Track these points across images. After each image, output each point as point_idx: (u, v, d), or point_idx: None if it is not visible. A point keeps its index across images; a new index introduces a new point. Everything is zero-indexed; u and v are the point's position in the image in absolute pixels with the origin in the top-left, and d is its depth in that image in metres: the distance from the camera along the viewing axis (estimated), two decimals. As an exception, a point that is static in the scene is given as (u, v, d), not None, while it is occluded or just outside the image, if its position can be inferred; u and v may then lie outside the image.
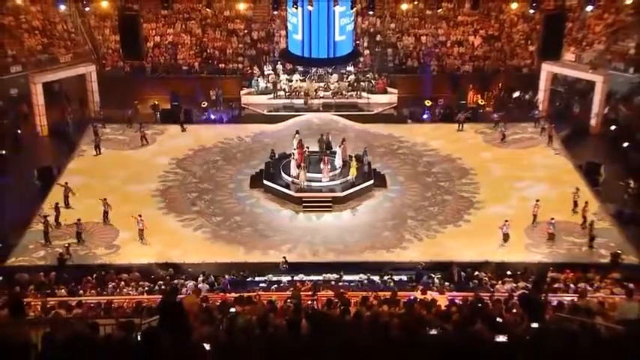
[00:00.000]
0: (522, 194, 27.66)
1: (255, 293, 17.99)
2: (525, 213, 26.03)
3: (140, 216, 25.10)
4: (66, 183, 27.34)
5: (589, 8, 33.68)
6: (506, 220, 24.81)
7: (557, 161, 30.95)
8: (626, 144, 30.43)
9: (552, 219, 24.92)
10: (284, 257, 23.66)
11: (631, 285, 18.00)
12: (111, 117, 34.21)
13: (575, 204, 26.28)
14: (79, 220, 25.17)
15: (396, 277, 22.29)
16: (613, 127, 32.52)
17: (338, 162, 28.64)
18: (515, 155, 31.57)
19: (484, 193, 28.36)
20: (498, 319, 10.67)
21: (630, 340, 8.69)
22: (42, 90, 32.97)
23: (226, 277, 22.07)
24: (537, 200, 25.95)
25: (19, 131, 32.53)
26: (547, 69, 34.57)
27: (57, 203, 26.27)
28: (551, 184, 28.56)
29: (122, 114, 34.12)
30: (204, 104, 35.51)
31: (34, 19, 37.04)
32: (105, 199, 26.05)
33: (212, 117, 35.34)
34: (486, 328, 9.26)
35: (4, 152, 30.36)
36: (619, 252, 23.73)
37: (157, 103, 35.45)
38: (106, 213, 25.99)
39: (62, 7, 33.75)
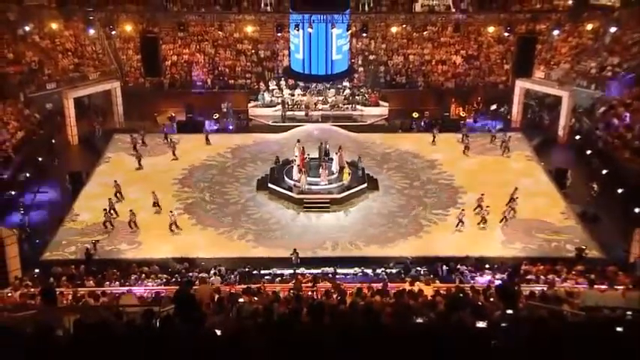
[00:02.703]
0: (497, 195, 27.60)
1: (260, 285, 17.99)
2: (499, 211, 26.00)
3: (171, 212, 25.53)
4: (115, 181, 27.49)
5: (556, 32, 34.13)
6: (463, 209, 25.38)
7: (530, 166, 30.94)
8: (589, 152, 30.49)
9: (462, 210, 25.62)
10: (295, 249, 23.40)
11: (592, 276, 18.11)
12: (134, 128, 34.16)
13: (511, 199, 26.35)
14: (131, 210, 25.37)
15: (387, 270, 22.28)
16: (578, 137, 32.58)
17: (335, 167, 28.62)
18: (492, 161, 31.52)
19: (464, 193, 28.29)
20: (479, 307, 10.68)
21: (591, 323, 8.71)
22: (73, 104, 33.02)
23: (236, 271, 22.01)
24: (482, 194, 26.13)
25: (53, 140, 32.57)
26: (520, 85, 34.60)
27: (110, 199, 26.27)
28: (521, 186, 28.53)
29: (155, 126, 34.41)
30: (216, 116, 35.51)
31: (67, 42, 37.12)
32: (153, 192, 26.40)
33: (223, 127, 35.30)
34: (469, 315, 9.25)
35: (40, 159, 30.45)
36: (583, 247, 23.74)
37: (173, 114, 35.45)
38: (155, 203, 26.27)
39: (91, 32, 34.00)
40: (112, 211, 25.78)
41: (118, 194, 27.25)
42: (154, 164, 31.24)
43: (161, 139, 33.15)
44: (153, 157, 32.02)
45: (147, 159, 31.50)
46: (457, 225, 25.34)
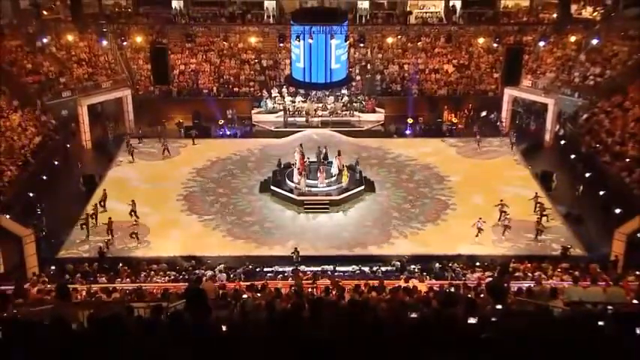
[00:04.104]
0: (487, 196, 27.65)
1: (263, 282, 17.97)
2: (491, 212, 26.02)
3: (136, 222, 25.24)
4: (104, 190, 27.37)
5: (542, 44, 34.19)
6: (480, 218, 24.81)
7: (518, 169, 30.98)
8: (573, 156, 30.53)
9: (480, 218, 24.86)
10: (296, 248, 23.39)
11: (577, 273, 18.13)
12: (144, 133, 34.21)
13: (538, 206, 26.14)
14: (109, 218, 25.15)
15: (383, 268, 22.23)
16: (563, 142, 32.64)
17: (334, 170, 28.63)
18: (482, 164, 31.55)
19: (457, 196, 28.32)
20: (471, 302, 10.67)
21: (575, 318, 8.73)
22: (87, 111, 33.08)
23: (239, 269, 21.96)
24: (502, 200, 25.78)
25: (68, 145, 32.64)
26: (509, 93, 34.64)
27: (96, 204, 26.34)
28: (511, 187, 28.61)
29: (153, 130, 34.22)
30: (221, 122, 35.48)
31: (82, 52, 37.14)
32: (132, 200, 25.98)
33: (228, 132, 35.31)
34: (462, 310, 9.23)
35: (56, 162, 30.50)
36: (568, 246, 23.78)
37: (181, 120, 35.44)
38: (132, 211, 25.79)
39: (104, 43, 34.03)
40: (93, 217, 25.52)
41: (102, 203, 26.71)
42: (160, 165, 31.40)
43: (174, 143, 33.30)
44: (160, 160, 32.10)
45: (155, 161, 31.72)
46: (477, 235, 24.60)
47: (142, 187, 29.05)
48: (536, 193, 26.66)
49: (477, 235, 24.64)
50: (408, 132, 35.33)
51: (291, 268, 21.87)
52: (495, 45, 34.08)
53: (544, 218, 25.42)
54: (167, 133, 33.88)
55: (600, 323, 7.00)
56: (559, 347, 6.24)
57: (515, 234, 25.12)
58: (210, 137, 34.53)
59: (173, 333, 6.67)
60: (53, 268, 21.65)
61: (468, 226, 25.02)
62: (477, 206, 26.94)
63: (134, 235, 24.74)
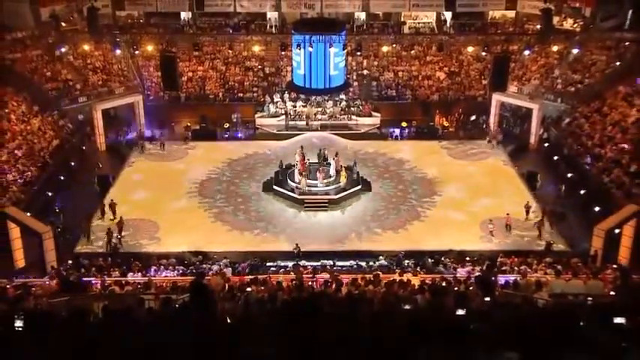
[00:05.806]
0: (478, 195, 27.61)
1: (266, 275, 17.97)
2: (480, 211, 25.95)
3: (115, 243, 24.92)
4: (111, 200, 26.87)
5: (527, 52, 34.21)
6: (491, 220, 24.74)
7: (505, 170, 30.97)
8: (556, 157, 30.54)
9: (491, 220, 24.77)
10: (297, 244, 23.32)
11: (559, 267, 18.16)
12: (152, 136, 34.26)
13: (527, 212, 26.05)
14: (121, 217, 25.20)
15: (379, 263, 22.21)
16: (546, 144, 32.64)
17: (332, 171, 28.60)
18: (472, 164, 31.51)
19: (448, 194, 28.30)
20: (461, 294, 10.68)
21: (558, 308, 8.75)
22: (101, 115, 33.04)
23: (242, 264, 21.91)
24: (508, 213, 25.38)
25: (84, 147, 32.67)
26: (496, 98, 34.59)
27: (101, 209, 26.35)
28: (500, 187, 28.61)
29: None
30: (227, 125, 35.44)
31: (96, 60, 37.17)
32: (117, 220, 25.38)
33: (232, 135, 35.25)
34: (452, 301, 9.25)
35: (73, 164, 30.51)
36: (551, 242, 23.79)
37: (189, 124, 35.42)
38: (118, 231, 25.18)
39: (118, 52, 34.05)
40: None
41: (113, 213, 25.96)
42: (167, 166, 31.41)
43: (177, 145, 33.36)
44: (169, 161, 32.07)
45: (163, 162, 31.73)
46: (492, 235, 24.37)
47: (150, 187, 28.98)
48: (528, 202, 26.42)
49: (491, 234, 24.48)
50: (402, 135, 35.29)
51: (292, 263, 21.87)
52: (484, 53, 34.15)
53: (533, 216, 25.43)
54: (159, 133, 34.10)
55: (581, 314, 7.01)
56: (544, 335, 6.24)
57: (503, 230, 25.07)
58: (215, 139, 34.45)
59: (180, 324, 6.67)
60: (70, 262, 21.64)
61: (457, 221, 24.96)
62: (464, 203, 26.92)
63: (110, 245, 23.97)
